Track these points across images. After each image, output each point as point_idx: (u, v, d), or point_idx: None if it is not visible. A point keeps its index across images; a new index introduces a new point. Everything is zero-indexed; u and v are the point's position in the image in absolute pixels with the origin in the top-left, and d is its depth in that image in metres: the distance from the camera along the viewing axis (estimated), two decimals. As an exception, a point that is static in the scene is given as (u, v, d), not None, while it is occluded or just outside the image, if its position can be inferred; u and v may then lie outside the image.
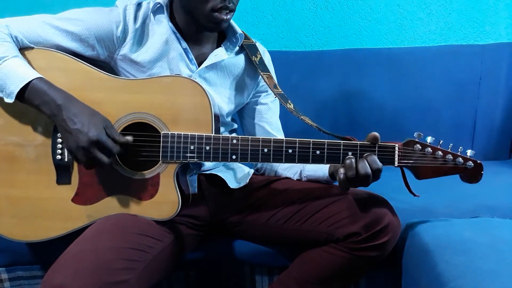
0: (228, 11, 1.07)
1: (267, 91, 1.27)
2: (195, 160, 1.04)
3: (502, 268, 0.89)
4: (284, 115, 1.33)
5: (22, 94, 0.98)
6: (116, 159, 1.04)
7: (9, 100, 0.98)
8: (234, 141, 1.03)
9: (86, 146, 0.95)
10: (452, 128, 1.79)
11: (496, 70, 1.77)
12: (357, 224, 1.07)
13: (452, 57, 1.79)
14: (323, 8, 1.90)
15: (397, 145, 1.02)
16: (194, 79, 1.06)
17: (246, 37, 1.21)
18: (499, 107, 1.78)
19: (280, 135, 1.29)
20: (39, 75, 0.99)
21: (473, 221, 1.17)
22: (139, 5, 1.11)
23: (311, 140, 1.02)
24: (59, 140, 1.05)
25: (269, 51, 1.31)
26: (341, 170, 1.01)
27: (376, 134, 1.01)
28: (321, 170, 1.19)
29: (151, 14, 1.11)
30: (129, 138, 1.01)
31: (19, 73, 0.98)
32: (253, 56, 1.20)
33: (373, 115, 1.79)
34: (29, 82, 0.97)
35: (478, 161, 1.02)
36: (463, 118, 1.79)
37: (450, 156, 1.02)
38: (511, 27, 1.87)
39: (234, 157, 1.03)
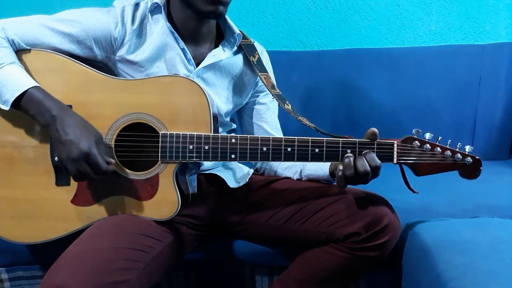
0: None
1: (265, 91, 1.27)
2: (194, 160, 1.03)
3: (502, 268, 0.89)
4: (284, 116, 1.33)
5: (18, 102, 0.98)
6: (116, 161, 1.04)
7: (5, 107, 0.99)
8: (233, 140, 1.03)
9: (76, 158, 0.96)
10: (452, 128, 1.79)
11: (496, 70, 1.77)
12: (357, 224, 1.07)
13: (452, 57, 1.79)
14: (323, 8, 1.90)
15: (395, 142, 1.02)
16: (192, 79, 1.06)
17: (244, 37, 1.21)
18: (499, 107, 1.77)
19: (279, 134, 1.29)
20: (36, 84, 0.99)
21: (473, 221, 1.17)
22: (137, 6, 1.11)
23: (310, 138, 1.02)
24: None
25: (269, 51, 1.31)
26: (340, 167, 1.01)
27: (375, 130, 1.01)
28: (321, 169, 1.19)
29: (149, 14, 1.11)
30: (112, 160, 1.01)
31: (15, 81, 0.98)
32: (251, 56, 1.20)
33: (373, 115, 1.79)
34: (25, 91, 0.97)
35: (477, 157, 1.02)
36: (463, 118, 1.79)
37: (448, 152, 1.01)
38: (511, 27, 1.87)
39: (233, 156, 1.03)
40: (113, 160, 1.02)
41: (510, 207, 1.28)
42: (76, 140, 0.96)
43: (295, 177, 1.25)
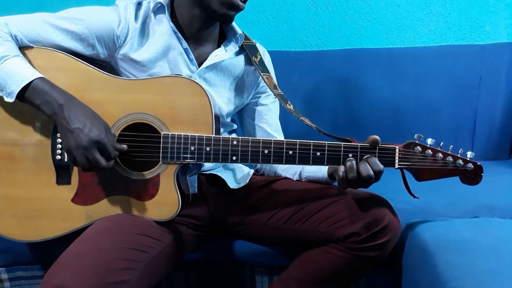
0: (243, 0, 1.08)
1: (267, 92, 1.27)
2: (195, 161, 1.03)
3: (502, 268, 0.89)
4: (284, 116, 1.33)
5: (23, 93, 0.97)
6: (117, 160, 1.04)
7: (9, 99, 0.98)
8: (235, 142, 1.03)
9: (86, 146, 0.95)
10: (452, 128, 1.79)
11: (496, 70, 1.78)
12: (357, 224, 1.08)
13: (452, 57, 1.79)
14: (323, 8, 1.90)
15: (397, 147, 1.02)
16: (194, 80, 1.06)
17: (246, 38, 1.21)
18: (499, 107, 1.78)
19: (279, 136, 1.29)
20: (41, 75, 0.99)
21: (473, 221, 1.17)
22: (139, 4, 1.11)
23: (312, 141, 1.02)
24: (59, 140, 1.05)
25: (269, 51, 1.31)
26: (341, 168, 1.01)
27: (377, 137, 1.01)
28: (320, 171, 1.19)
29: (152, 13, 1.11)
30: (124, 146, 1.01)
31: (20, 73, 0.97)
32: (253, 57, 1.20)
33: (373, 115, 1.79)
34: (30, 82, 0.97)
35: (478, 163, 1.03)
36: (463, 118, 1.79)
37: (450, 158, 1.02)
38: (511, 27, 1.87)
39: (234, 158, 1.03)
40: (125, 146, 1.02)
41: (510, 207, 1.28)
42: (85, 129, 0.95)
43: (295, 178, 1.25)
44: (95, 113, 1.00)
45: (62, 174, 1.06)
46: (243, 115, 1.30)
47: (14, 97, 0.97)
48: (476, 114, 1.79)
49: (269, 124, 1.27)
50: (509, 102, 1.77)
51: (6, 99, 0.99)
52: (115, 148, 1.00)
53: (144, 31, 1.11)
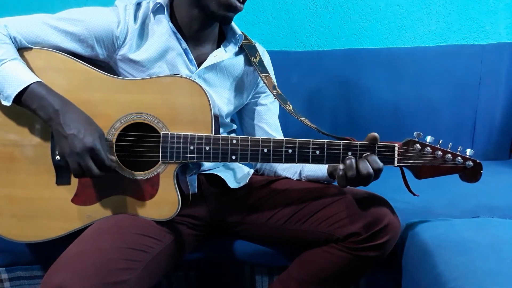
0: (241, 0, 1.08)
1: (266, 92, 1.27)
2: (194, 160, 1.03)
3: (502, 268, 0.89)
4: (284, 116, 1.33)
5: (20, 97, 0.98)
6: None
7: (6, 103, 0.98)
8: (234, 141, 1.03)
9: (80, 152, 0.95)
10: (452, 128, 1.79)
11: (496, 70, 1.78)
12: (357, 224, 1.08)
13: (452, 57, 1.80)
14: (323, 8, 1.90)
15: (396, 145, 1.02)
16: (194, 80, 1.06)
17: (245, 38, 1.21)
18: (499, 107, 1.78)
19: (279, 135, 1.29)
20: (38, 79, 0.99)
21: (473, 221, 1.17)
22: (138, 5, 1.11)
23: (311, 140, 1.02)
24: (59, 140, 1.05)
25: (269, 51, 1.31)
26: (340, 166, 1.01)
27: (376, 134, 1.01)
28: (320, 170, 1.19)
29: (151, 14, 1.11)
30: (113, 158, 1.01)
31: (18, 77, 0.97)
32: (253, 57, 1.20)
33: (373, 115, 1.79)
34: (28, 86, 0.97)
35: (478, 161, 1.03)
36: (463, 118, 1.79)
37: (449, 156, 1.02)
38: (511, 27, 1.87)
39: (234, 157, 1.03)
40: (114, 157, 1.02)
41: (510, 207, 1.28)
42: (79, 135, 0.95)
43: (295, 177, 1.25)
44: (91, 119, 1.00)
45: (62, 174, 1.06)
46: (243, 115, 1.30)
47: (11, 101, 0.98)
48: (476, 114, 1.79)
49: (268, 124, 1.27)
50: (509, 102, 1.78)
51: (3, 103, 0.99)
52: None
53: (143, 32, 1.11)
